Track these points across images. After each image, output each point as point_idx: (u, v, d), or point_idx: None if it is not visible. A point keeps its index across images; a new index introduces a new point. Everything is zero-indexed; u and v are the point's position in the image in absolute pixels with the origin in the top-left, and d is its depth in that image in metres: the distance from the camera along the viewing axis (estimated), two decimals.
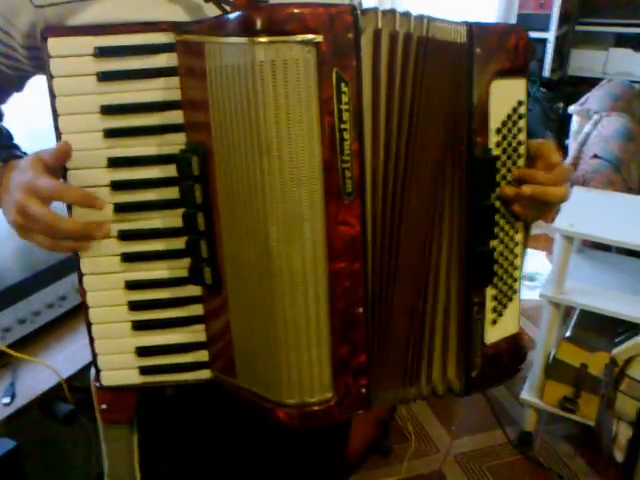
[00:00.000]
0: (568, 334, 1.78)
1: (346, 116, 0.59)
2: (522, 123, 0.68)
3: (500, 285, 0.72)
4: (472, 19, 0.65)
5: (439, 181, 0.67)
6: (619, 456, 1.64)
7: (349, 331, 0.65)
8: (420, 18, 0.62)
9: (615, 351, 1.68)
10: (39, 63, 0.66)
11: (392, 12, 0.60)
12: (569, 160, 2.25)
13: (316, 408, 0.66)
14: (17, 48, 0.68)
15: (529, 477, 1.82)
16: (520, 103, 0.68)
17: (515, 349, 0.76)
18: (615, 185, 2.10)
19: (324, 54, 0.57)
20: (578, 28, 3.61)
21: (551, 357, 1.79)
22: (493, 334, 0.73)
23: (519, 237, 0.72)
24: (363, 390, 0.67)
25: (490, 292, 0.72)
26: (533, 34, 3.42)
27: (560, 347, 1.76)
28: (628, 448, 1.02)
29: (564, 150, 2.73)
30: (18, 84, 0.77)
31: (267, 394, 0.67)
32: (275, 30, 0.56)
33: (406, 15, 0.61)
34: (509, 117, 0.67)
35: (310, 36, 0.56)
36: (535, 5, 3.37)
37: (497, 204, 0.69)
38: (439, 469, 1.85)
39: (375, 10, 0.60)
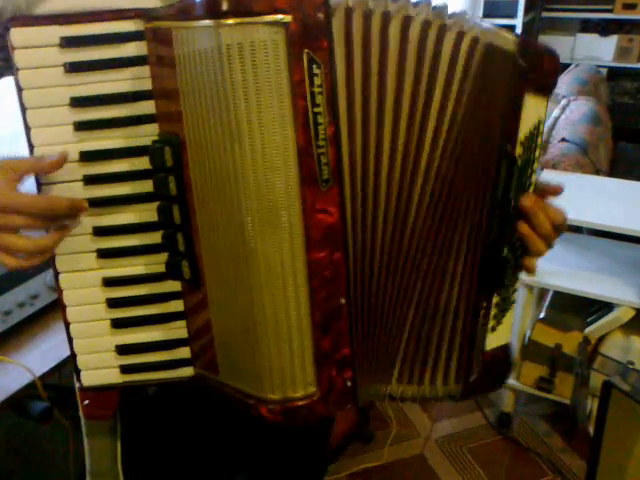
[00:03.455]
0: (542, 315, 1.80)
1: (319, 99, 0.57)
2: (540, 140, 0.69)
3: (504, 294, 0.72)
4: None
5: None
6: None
7: (331, 322, 0.63)
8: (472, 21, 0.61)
9: (588, 330, 1.71)
10: (7, 55, 0.64)
11: None
12: None
13: (300, 403, 0.65)
14: None
15: (508, 457, 1.85)
16: (541, 121, 0.69)
17: (507, 359, 0.76)
18: (584, 168, 2.14)
19: (293, 35, 0.55)
20: (545, 14, 3.65)
21: (526, 338, 1.81)
22: (491, 341, 0.72)
23: (521, 251, 0.71)
24: (348, 383, 0.66)
25: (494, 300, 0.71)
26: (501, 21, 3.45)
27: (535, 328, 1.79)
28: (595, 420, 1.05)
29: None
30: None
31: (250, 390, 0.66)
32: (241, 11, 0.54)
33: None
34: (531, 133, 0.68)
35: (278, 16, 0.54)
36: None
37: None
38: (420, 453, 1.87)
39: None
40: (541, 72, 0.66)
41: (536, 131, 0.68)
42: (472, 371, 0.71)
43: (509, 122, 0.65)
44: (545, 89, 0.68)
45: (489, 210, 0.67)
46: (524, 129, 0.66)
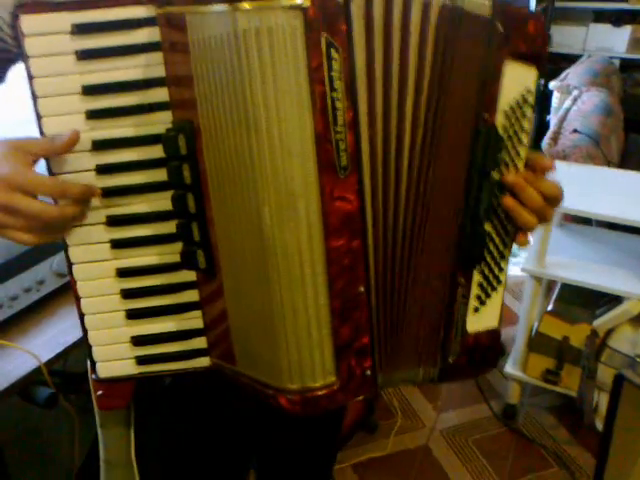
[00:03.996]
0: (550, 307, 1.79)
1: (338, 84, 0.56)
2: (529, 112, 0.67)
3: (486, 272, 0.70)
4: None
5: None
6: (600, 425, 1.67)
7: (350, 311, 0.63)
8: None
9: (596, 323, 1.70)
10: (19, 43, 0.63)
11: None
12: (549, 135, 2.26)
13: (319, 393, 0.64)
14: (2, 27, 0.64)
15: (513, 449, 1.85)
16: (529, 91, 0.66)
17: (493, 343, 0.74)
18: (595, 159, 2.12)
19: (312, 19, 0.53)
20: (558, 4, 3.60)
21: (534, 330, 1.81)
22: (474, 323, 0.71)
23: (510, 227, 0.70)
24: (368, 372, 0.65)
25: (475, 278, 0.69)
26: None
27: (542, 320, 1.78)
28: (606, 413, 1.04)
29: (545, 125, 2.73)
30: (1, 70, 0.73)
31: (268, 380, 0.65)
32: None
33: None
34: (517, 103, 0.66)
35: (296, 1, 0.53)
36: None
37: (495, 188, 0.66)
38: (425, 444, 1.87)
39: None
40: (523, 37, 0.64)
41: (523, 101, 0.66)
42: (449, 352, 0.70)
43: (487, 90, 0.63)
44: (531, 58, 0.65)
45: (466, 181, 0.65)
46: (507, 98, 0.65)
